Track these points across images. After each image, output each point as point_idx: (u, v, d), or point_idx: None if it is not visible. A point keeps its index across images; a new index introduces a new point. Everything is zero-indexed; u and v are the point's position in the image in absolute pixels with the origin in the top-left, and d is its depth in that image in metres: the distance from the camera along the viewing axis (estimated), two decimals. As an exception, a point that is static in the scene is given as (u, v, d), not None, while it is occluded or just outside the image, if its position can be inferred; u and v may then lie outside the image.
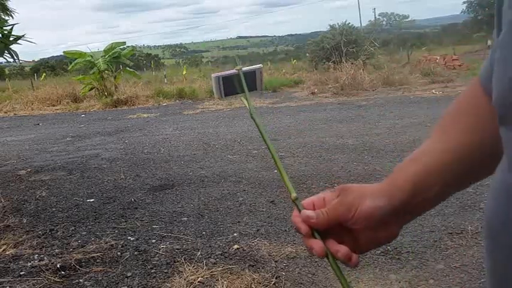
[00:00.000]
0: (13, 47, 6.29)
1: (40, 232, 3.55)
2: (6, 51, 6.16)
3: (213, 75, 0.77)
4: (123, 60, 15.85)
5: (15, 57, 6.33)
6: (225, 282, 2.53)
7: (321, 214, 0.59)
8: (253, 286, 2.47)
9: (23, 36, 6.35)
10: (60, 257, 3.02)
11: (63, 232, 3.53)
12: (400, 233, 0.59)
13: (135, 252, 3.05)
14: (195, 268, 2.73)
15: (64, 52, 16.17)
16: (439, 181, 0.56)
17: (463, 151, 0.56)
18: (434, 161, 0.56)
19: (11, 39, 6.19)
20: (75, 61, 15.60)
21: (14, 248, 3.25)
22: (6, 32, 6.16)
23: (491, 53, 0.54)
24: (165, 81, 19.22)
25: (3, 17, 6.38)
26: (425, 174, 0.56)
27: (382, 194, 0.56)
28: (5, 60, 6.57)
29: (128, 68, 16.38)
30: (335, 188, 0.61)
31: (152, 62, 42.72)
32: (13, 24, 6.31)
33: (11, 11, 6.48)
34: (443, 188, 0.57)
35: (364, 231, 0.57)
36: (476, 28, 40.52)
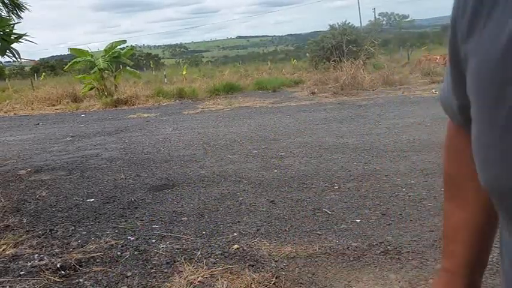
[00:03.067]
0: (14, 46, 6.28)
1: (40, 232, 3.55)
2: (7, 50, 6.14)
3: None
4: (123, 59, 15.84)
5: (17, 56, 6.31)
6: (225, 282, 2.53)
7: None
8: (253, 286, 2.47)
9: (24, 34, 6.33)
10: (60, 257, 3.01)
11: (63, 232, 3.53)
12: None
13: (135, 252, 3.05)
14: (195, 268, 2.73)
15: (69, 49, 16.20)
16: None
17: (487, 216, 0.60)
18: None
19: (13, 37, 6.17)
20: (73, 60, 15.59)
21: (14, 247, 3.25)
22: (8, 30, 6.13)
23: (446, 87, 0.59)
24: (165, 81, 19.21)
25: (17, 13, 6.36)
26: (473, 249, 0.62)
27: None
28: (10, 60, 6.55)
29: (128, 68, 16.38)
30: None
31: (152, 61, 42.71)
32: (14, 23, 6.30)
33: (24, 7, 6.45)
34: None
35: None
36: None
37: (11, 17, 6.30)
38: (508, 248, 0.49)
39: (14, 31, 6.30)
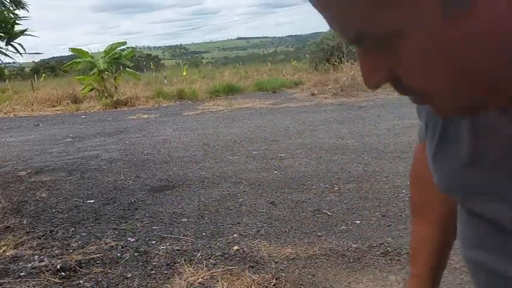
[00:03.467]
0: (16, 43, 6.28)
1: (40, 233, 3.55)
2: (10, 45, 6.14)
3: None
4: (123, 61, 15.84)
5: (22, 50, 6.29)
6: (225, 283, 2.54)
7: None
8: (253, 287, 2.47)
9: (26, 30, 6.34)
10: (60, 258, 3.02)
11: (63, 233, 3.53)
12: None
13: (135, 253, 3.05)
14: (195, 269, 2.73)
15: (70, 49, 16.20)
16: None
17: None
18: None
19: (15, 32, 6.17)
20: (73, 60, 15.59)
21: (14, 249, 3.25)
22: (9, 25, 6.12)
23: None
24: (165, 82, 19.20)
25: (16, 12, 6.38)
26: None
27: None
28: (10, 61, 6.60)
29: (128, 69, 16.38)
30: None
31: (152, 63, 42.73)
32: (15, 19, 6.31)
33: (24, 4, 6.46)
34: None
35: None
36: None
37: (9, 17, 6.32)
38: (460, 219, 0.61)
39: (17, 27, 6.33)
